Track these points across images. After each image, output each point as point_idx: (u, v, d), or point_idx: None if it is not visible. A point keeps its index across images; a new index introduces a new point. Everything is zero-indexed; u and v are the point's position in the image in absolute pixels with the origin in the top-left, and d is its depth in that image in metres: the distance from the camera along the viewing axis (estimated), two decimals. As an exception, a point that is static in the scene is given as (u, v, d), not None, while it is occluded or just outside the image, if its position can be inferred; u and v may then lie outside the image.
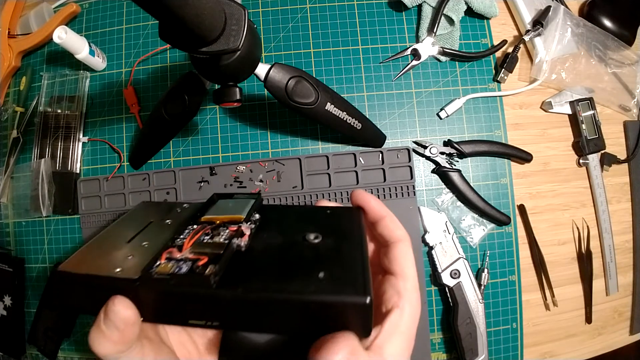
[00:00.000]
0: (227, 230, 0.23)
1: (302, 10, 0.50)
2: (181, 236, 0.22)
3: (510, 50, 0.49)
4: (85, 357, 0.47)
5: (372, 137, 0.46)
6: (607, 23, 0.50)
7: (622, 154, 0.50)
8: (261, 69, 0.35)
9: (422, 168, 0.48)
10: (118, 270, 0.20)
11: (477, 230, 0.47)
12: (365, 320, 0.18)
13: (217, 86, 0.34)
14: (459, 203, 0.47)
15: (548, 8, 0.48)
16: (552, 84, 0.50)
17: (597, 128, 0.48)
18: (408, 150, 0.46)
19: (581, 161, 0.49)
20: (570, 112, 0.49)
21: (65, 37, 0.43)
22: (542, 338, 0.47)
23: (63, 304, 0.21)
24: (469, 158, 0.48)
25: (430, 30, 0.48)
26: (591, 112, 0.49)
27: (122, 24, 0.51)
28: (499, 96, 0.49)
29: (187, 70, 0.42)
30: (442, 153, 0.47)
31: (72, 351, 0.47)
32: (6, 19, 0.51)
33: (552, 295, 0.47)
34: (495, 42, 0.49)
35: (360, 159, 0.46)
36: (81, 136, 0.49)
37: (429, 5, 0.48)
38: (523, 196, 0.48)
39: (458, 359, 0.44)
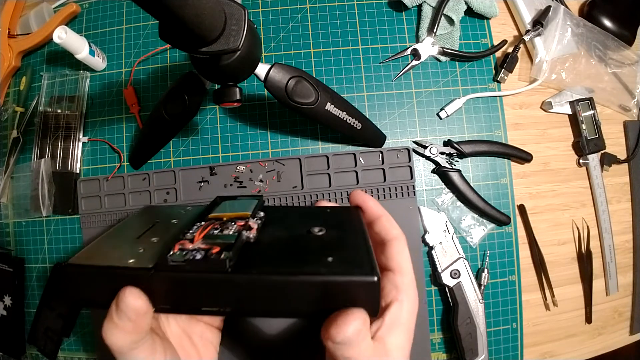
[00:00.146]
0: (235, 225, 0.23)
1: (302, 10, 0.50)
2: (190, 231, 0.22)
3: (510, 50, 0.49)
4: (85, 357, 0.47)
5: (372, 137, 0.46)
6: (607, 23, 0.50)
7: (622, 154, 0.50)
8: (261, 69, 0.35)
9: (422, 168, 0.48)
10: (131, 261, 0.21)
11: (477, 230, 0.47)
12: (374, 299, 0.19)
13: (217, 86, 0.34)
14: (459, 203, 0.47)
15: (548, 8, 0.48)
16: (552, 84, 0.50)
17: (597, 128, 0.48)
18: (408, 150, 0.46)
19: (581, 161, 0.49)
20: (570, 112, 0.49)
21: (65, 37, 0.43)
22: (542, 338, 0.47)
23: (74, 297, 0.22)
24: (469, 158, 0.48)
25: (430, 30, 0.48)
26: (591, 112, 0.49)
27: (122, 24, 0.51)
28: (499, 96, 0.49)
29: (187, 70, 0.42)
30: (442, 153, 0.47)
31: (72, 351, 0.47)
32: (6, 19, 0.51)
33: (552, 295, 0.47)
34: (495, 42, 0.49)
35: (360, 159, 0.46)
36: (81, 136, 0.49)
37: (429, 5, 0.48)
38: (523, 196, 0.48)
39: (458, 359, 0.44)
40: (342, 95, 0.43)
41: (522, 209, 0.48)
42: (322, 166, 0.46)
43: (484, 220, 0.47)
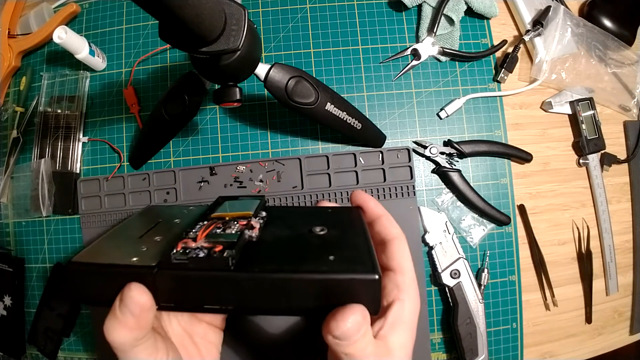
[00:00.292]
0: (237, 224, 0.23)
1: (302, 10, 0.50)
2: (193, 230, 0.23)
3: (510, 50, 0.49)
4: (85, 357, 0.47)
5: (372, 137, 0.46)
6: (607, 23, 0.50)
7: (622, 154, 0.50)
8: (261, 69, 0.35)
9: (422, 168, 0.48)
10: (135, 259, 0.21)
11: (477, 230, 0.47)
12: (375, 297, 0.19)
13: (217, 86, 0.34)
14: (459, 203, 0.47)
15: (548, 8, 0.48)
16: (552, 84, 0.50)
17: (597, 128, 0.48)
18: (408, 150, 0.46)
19: (581, 161, 0.49)
20: (570, 112, 0.49)
21: (65, 37, 0.43)
22: (542, 338, 0.47)
23: (76, 295, 0.22)
24: (469, 158, 0.48)
25: (430, 30, 0.48)
26: (591, 112, 0.49)
27: (122, 24, 0.51)
28: (499, 96, 0.49)
29: (187, 70, 0.42)
30: (442, 153, 0.47)
31: (72, 351, 0.47)
32: (6, 19, 0.51)
33: (552, 295, 0.47)
34: (495, 42, 0.49)
35: (360, 159, 0.46)
36: (81, 136, 0.49)
37: (429, 5, 0.48)
38: (523, 196, 0.48)
39: (458, 359, 0.44)
40: (342, 95, 0.43)
41: (522, 209, 0.48)
42: (322, 166, 0.46)
43: (484, 220, 0.47)
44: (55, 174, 0.48)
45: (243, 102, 0.36)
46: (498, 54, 0.50)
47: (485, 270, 0.45)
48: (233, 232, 0.22)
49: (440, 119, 0.48)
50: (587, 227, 0.49)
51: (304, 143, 0.48)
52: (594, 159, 0.49)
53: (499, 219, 0.46)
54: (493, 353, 0.45)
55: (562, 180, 0.49)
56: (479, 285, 0.45)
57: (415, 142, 0.48)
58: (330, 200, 0.46)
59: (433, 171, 0.48)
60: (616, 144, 0.51)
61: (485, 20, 0.50)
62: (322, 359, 0.21)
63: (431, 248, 0.45)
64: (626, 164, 0.50)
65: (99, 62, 0.49)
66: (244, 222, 0.24)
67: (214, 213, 0.25)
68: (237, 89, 0.33)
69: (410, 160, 0.46)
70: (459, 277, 0.44)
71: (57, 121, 0.49)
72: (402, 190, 0.46)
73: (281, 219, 0.26)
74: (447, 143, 0.47)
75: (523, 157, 0.47)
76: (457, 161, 0.47)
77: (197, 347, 0.24)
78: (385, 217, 0.26)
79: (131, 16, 0.51)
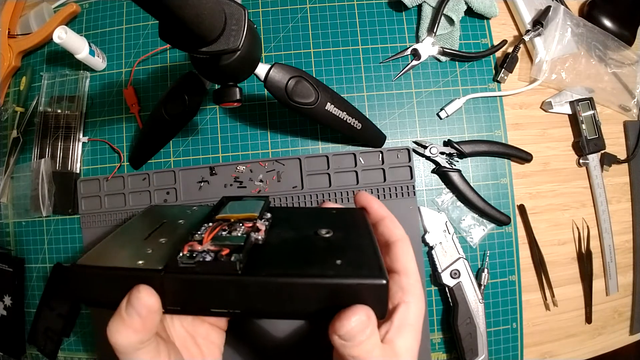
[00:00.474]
0: (243, 227, 0.23)
1: (302, 10, 0.50)
2: (199, 232, 0.23)
3: (510, 50, 0.49)
4: (85, 357, 0.47)
5: (372, 137, 0.46)
6: (607, 23, 0.50)
7: (622, 154, 0.50)
8: (261, 69, 0.35)
9: (422, 168, 0.48)
10: (140, 262, 0.21)
11: (477, 230, 0.47)
12: (382, 301, 0.19)
13: (217, 86, 0.34)
14: (459, 203, 0.47)
15: (548, 8, 0.48)
16: (552, 84, 0.50)
17: (597, 128, 0.48)
18: (408, 150, 0.46)
19: (581, 161, 0.49)
20: (570, 112, 0.49)
21: (65, 37, 0.43)
22: (542, 338, 0.47)
23: (81, 297, 0.22)
24: (469, 158, 0.48)
25: (430, 30, 0.48)
26: (591, 112, 0.49)
27: (122, 24, 0.51)
28: (499, 96, 0.49)
29: (187, 70, 0.42)
30: (442, 153, 0.47)
31: (72, 351, 0.47)
32: (6, 19, 0.51)
33: (552, 295, 0.47)
34: (495, 42, 0.49)
35: (360, 159, 0.46)
36: (81, 136, 0.49)
37: (429, 5, 0.48)
38: (523, 196, 0.48)
39: (458, 359, 0.44)
40: (342, 95, 0.43)
41: (522, 209, 0.48)
42: (322, 166, 0.46)
43: (484, 220, 0.47)
44: (55, 174, 0.48)
45: (243, 102, 0.36)
46: (498, 54, 0.50)
47: (485, 270, 0.45)
48: (239, 234, 0.22)
49: (440, 119, 0.48)
50: (587, 227, 0.49)
51: (304, 143, 0.48)
52: (594, 159, 0.49)
53: (499, 219, 0.46)
54: (493, 353, 0.45)
55: (562, 180, 0.49)
56: (479, 285, 0.45)
57: (415, 142, 0.48)
58: (330, 200, 0.46)
59: (433, 171, 0.48)
60: (616, 144, 0.51)
61: (485, 20, 0.50)
62: None
63: (431, 248, 0.45)
64: (626, 164, 0.50)
65: (99, 62, 0.49)
66: (250, 224, 0.23)
67: (218, 214, 0.25)
68: (237, 89, 0.33)
69: (410, 160, 0.46)
70: (459, 277, 0.44)
71: (57, 121, 0.49)
72: (402, 190, 0.46)
73: (286, 221, 0.26)
74: (447, 143, 0.47)
75: (523, 157, 0.47)
76: (457, 161, 0.47)
77: (199, 348, 0.24)
78: (389, 218, 0.26)
79: (131, 16, 0.51)
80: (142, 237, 0.25)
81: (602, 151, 0.49)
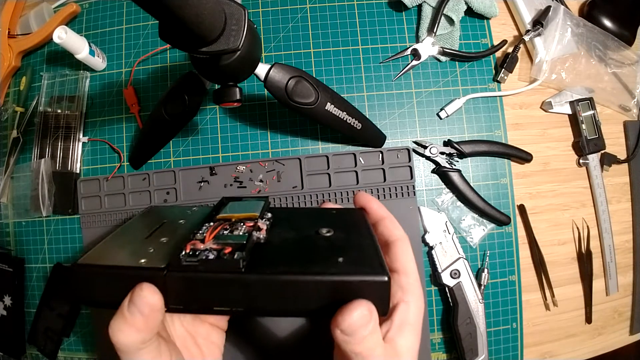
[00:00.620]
0: (244, 226, 0.23)
1: (302, 10, 0.50)
2: (200, 231, 0.23)
3: (510, 50, 0.49)
4: (85, 357, 0.47)
5: (372, 137, 0.46)
6: (607, 23, 0.50)
7: (622, 154, 0.50)
8: (261, 69, 0.35)
9: (422, 168, 0.48)
10: (143, 261, 0.21)
11: (477, 230, 0.47)
12: (384, 298, 0.19)
13: (217, 86, 0.34)
14: (459, 203, 0.47)
15: (548, 8, 0.48)
16: (552, 84, 0.50)
17: (597, 128, 0.48)
18: (408, 150, 0.46)
19: (581, 161, 0.49)
20: (570, 112, 0.49)
21: (65, 37, 0.43)
22: (542, 338, 0.47)
23: (82, 297, 0.21)
24: (469, 158, 0.48)
25: (430, 30, 0.48)
26: (591, 112, 0.49)
27: (122, 24, 0.51)
28: (499, 96, 0.49)
29: (187, 70, 0.42)
30: (442, 153, 0.47)
31: (72, 351, 0.47)
32: (6, 19, 0.51)
33: (552, 295, 0.47)
34: (495, 42, 0.49)
35: (360, 159, 0.46)
36: (81, 136, 0.49)
37: (429, 5, 0.48)
38: (523, 196, 0.48)
39: (458, 359, 0.44)
40: (342, 95, 0.43)
41: (522, 209, 0.48)
42: (322, 166, 0.46)
43: (484, 220, 0.47)
44: (55, 174, 0.48)
45: (243, 102, 0.36)
46: (498, 54, 0.50)
47: (485, 270, 0.45)
48: (241, 233, 0.22)
49: (440, 119, 0.48)
50: (587, 227, 0.49)
51: (304, 143, 0.48)
52: (594, 159, 0.49)
53: (499, 219, 0.46)
54: (493, 353, 0.45)
55: (562, 180, 0.49)
56: (479, 285, 0.45)
57: (415, 142, 0.48)
58: (330, 201, 0.46)
59: (433, 171, 0.48)
60: (616, 144, 0.51)
61: (485, 20, 0.50)
62: None
63: (431, 248, 0.45)
64: (626, 164, 0.50)
65: (99, 62, 0.49)
66: (251, 224, 0.24)
67: (219, 214, 0.25)
68: (237, 89, 0.33)
69: (410, 160, 0.46)
70: (459, 277, 0.44)
71: (57, 121, 0.49)
72: (402, 190, 0.46)
73: (286, 221, 0.26)
74: (447, 143, 0.47)
75: (523, 157, 0.47)
76: (457, 161, 0.47)
77: (199, 348, 0.24)
78: (389, 219, 0.26)
79: (131, 16, 0.51)
80: (143, 236, 0.25)
81: (602, 151, 0.49)
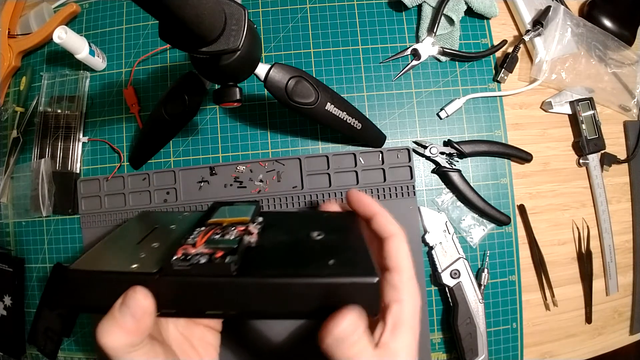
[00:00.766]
0: (236, 230, 0.23)
1: (302, 10, 0.50)
2: (192, 236, 0.23)
3: (510, 50, 0.49)
4: (85, 357, 0.47)
5: (372, 137, 0.46)
6: (607, 23, 0.50)
7: (622, 154, 0.50)
8: (261, 69, 0.35)
9: (422, 168, 0.48)
10: (134, 266, 0.21)
11: (477, 230, 0.47)
12: (374, 299, 0.20)
13: (217, 86, 0.34)
14: (459, 203, 0.47)
15: (548, 8, 0.48)
16: (552, 84, 0.50)
17: (597, 128, 0.48)
18: (408, 150, 0.46)
19: (581, 161, 0.49)
20: (570, 112, 0.49)
21: (65, 37, 0.43)
22: (542, 338, 0.47)
23: (75, 302, 0.22)
24: (469, 158, 0.48)
25: (430, 30, 0.48)
26: (591, 112, 0.49)
27: (122, 24, 0.51)
28: (499, 96, 0.49)
29: (187, 70, 0.42)
30: (442, 153, 0.47)
31: (72, 351, 0.47)
32: (6, 19, 0.51)
33: (552, 295, 0.47)
34: (495, 42, 0.49)
35: (360, 159, 0.46)
36: (81, 136, 0.49)
37: (429, 5, 0.48)
38: (523, 196, 0.48)
39: (458, 359, 0.44)
40: (342, 95, 0.43)
41: (522, 209, 0.48)
42: (322, 166, 0.46)
43: (484, 220, 0.47)
44: (55, 174, 0.48)
45: (243, 102, 0.36)
46: (498, 54, 0.50)
47: (485, 270, 0.45)
48: (232, 237, 0.22)
49: (440, 119, 0.48)
50: (587, 227, 0.49)
51: (304, 143, 0.48)
52: (594, 159, 0.49)
53: (499, 219, 0.46)
54: (493, 353, 0.45)
55: (562, 180, 0.49)
56: (479, 285, 0.45)
57: (415, 142, 0.48)
58: (331, 201, 0.46)
59: (433, 171, 0.48)
60: (616, 144, 0.51)
61: (485, 20, 0.50)
62: None
63: (431, 248, 0.45)
64: (626, 164, 0.50)
65: (99, 62, 0.49)
66: (242, 228, 0.24)
67: (210, 219, 0.25)
68: (237, 89, 0.33)
69: (410, 160, 0.46)
70: (459, 277, 0.44)
71: (57, 121, 0.49)
72: (402, 190, 0.46)
73: (278, 224, 0.27)
74: (447, 143, 0.47)
75: (523, 157, 0.47)
76: (457, 161, 0.47)
77: (195, 350, 0.24)
78: (381, 214, 0.26)
79: (131, 16, 0.51)
80: (135, 242, 0.25)
81: (602, 151, 0.49)
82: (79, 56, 0.46)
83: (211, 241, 0.22)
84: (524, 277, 0.47)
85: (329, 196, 0.46)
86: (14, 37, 0.51)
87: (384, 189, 0.46)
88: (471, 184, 0.46)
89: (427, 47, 0.48)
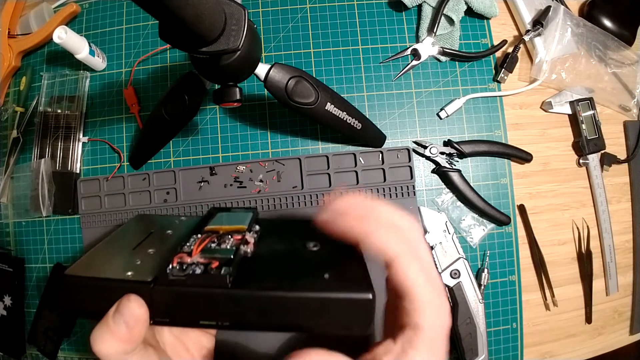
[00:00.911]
0: (232, 239, 0.23)
1: (302, 10, 0.50)
2: (188, 243, 0.23)
3: (510, 50, 0.49)
4: (85, 357, 0.47)
5: (372, 137, 0.46)
6: (607, 23, 0.50)
7: (622, 154, 0.50)
8: (261, 69, 0.35)
9: (422, 168, 0.48)
10: (130, 273, 0.21)
11: (477, 230, 0.47)
12: (367, 315, 0.19)
13: (217, 86, 0.34)
14: (459, 203, 0.47)
15: (548, 8, 0.48)
16: (552, 84, 0.50)
17: (597, 128, 0.48)
18: (408, 150, 0.46)
19: (581, 161, 0.49)
20: (570, 112, 0.49)
21: (65, 37, 0.43)
22: (542, 338, 0.47)
23: (70, 307, 0.21)
24: (469, 158, 0.48)
25: (430, 30, 0.48)
26: (591, 112, 0.49)
27: (122, 24, 0.51)
28: (499, 96, 0.49)
29: (187, 70, 0.42)
30: (442, 153, 0.47)
31: (72, 351, 0.47)
32: (6, 19, 0.51)
33: (552, 295, 0.47)
34: (495, 42, 0.49)
35: (360, 159, 0.46)
36: (81, 136, 0.49)
37: (429, 5, 0.48)
38: (523, 196, 0.48)
39: (458, 359, 0.44)
40: (342, 95, 0.43)
41: (522, 209, 0.48)
42: (322, 166, 0.46)
43: (484, 220, 0.47)
44: (55, 174, 0.48)
45: (243, 102, 0.36)
46: (498, 54, 0.50)
47: (485, 270, 0.45)
48: (228, 247, 0.22)
49: (440, 119, 0.48)
50: (587, 227, 0.49)
51: (304, 143, 0.48)
52: (594, 159, 0.49)
53: (499, 219, 0.46)
54: (493, 353, 0.45)
55: (562, 180, 0.49)
56: (479, 285, 0.45)
57: (415, 142, 0.48)
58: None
59: (433, 171, 0.48)
60: (616, 144, 0.51)
61: (485, 20, 0.50)
62: None
63: (431, 248, 0.45)
64: (626, 164, 0.50)
65: (99, 62, 0.49)
66: (239, 237, 0.23)
67: (207, 226, 0.25)
68: (237, 89, 0.33)
69: (410, 160, 0.46)
70: (459, 277, 0.44)
71: (57, 121, 0.49)
72: (402, 190, 0.46)
73: (274, 233, 0.27)
74: (447, 143, 0.47)
75: (523, 157, 0.47)
76: (457, 161, 0.47)
77: (190, 353, 0.24)
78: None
79: (131, 16, 0.51)
80: (131, 247, 0.25)
81: (602, 151, 0.49)
82: (79, 56, 0.46)
83: (207, 250, 0.22)
84: (524, 277, 0.47)
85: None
86: (14, 37, 0.51)
87: (384, 189, 0.46)
88: (471, 184, 0.46)
89: (427, 47, 0.48)
